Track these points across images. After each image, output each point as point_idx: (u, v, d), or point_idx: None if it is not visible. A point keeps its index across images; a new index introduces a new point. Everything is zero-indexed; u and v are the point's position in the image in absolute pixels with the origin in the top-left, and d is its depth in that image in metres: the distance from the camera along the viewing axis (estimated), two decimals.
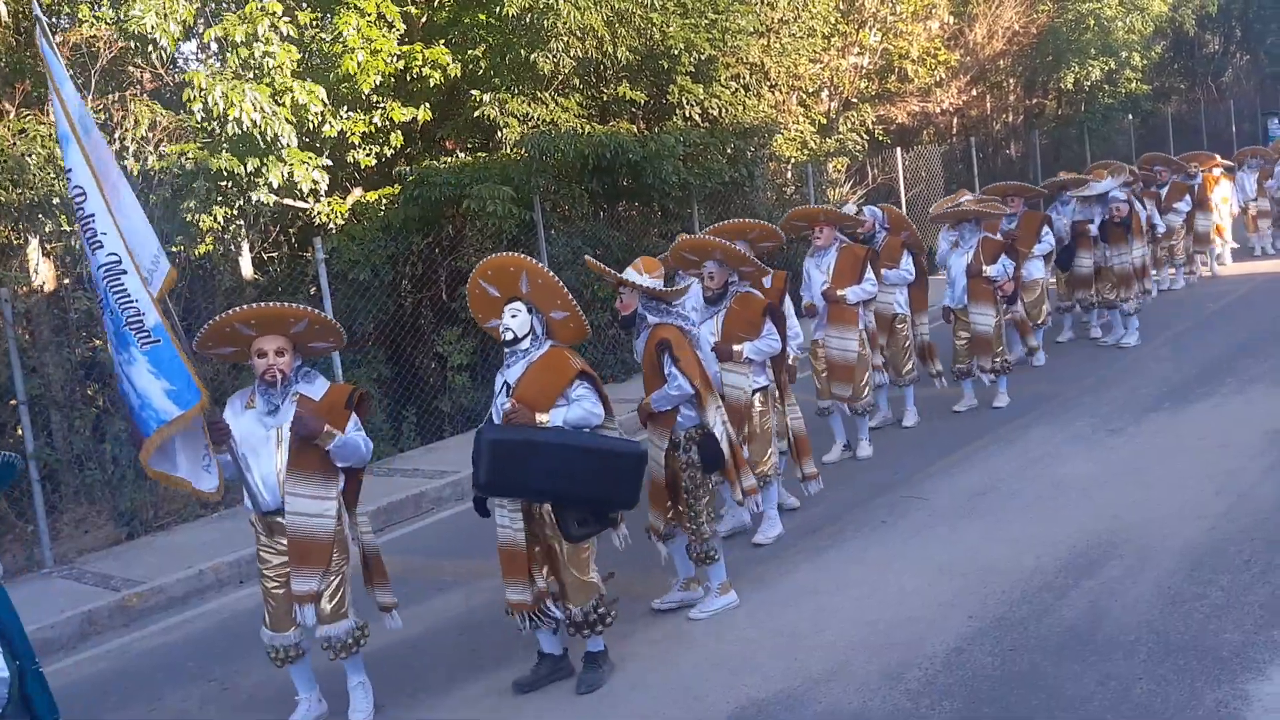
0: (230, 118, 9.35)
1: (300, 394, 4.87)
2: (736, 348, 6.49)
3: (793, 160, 15.96)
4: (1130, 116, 23.61)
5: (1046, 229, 10.55)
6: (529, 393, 5.00)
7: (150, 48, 9.60)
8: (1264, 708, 4.20)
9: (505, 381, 5.13)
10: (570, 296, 5.04)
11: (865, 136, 17.40)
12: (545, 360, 5.06)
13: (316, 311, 4.92)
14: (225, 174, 9.60)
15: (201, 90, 9.37)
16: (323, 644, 4.92)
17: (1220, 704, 4.26)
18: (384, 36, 10.57)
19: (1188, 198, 13.78)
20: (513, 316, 5.06)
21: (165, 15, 9.25)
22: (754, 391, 6.58)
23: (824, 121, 16.96)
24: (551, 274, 5.06)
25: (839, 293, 7.99)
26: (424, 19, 12.33)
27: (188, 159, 9.56)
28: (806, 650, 5.19)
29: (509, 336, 5.07)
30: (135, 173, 9.72)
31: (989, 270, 9.10)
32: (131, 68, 10.83)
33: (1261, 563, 5.52)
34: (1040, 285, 10.49)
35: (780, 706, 4.70)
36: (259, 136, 9.55)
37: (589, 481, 4.90)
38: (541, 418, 4.93)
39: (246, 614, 6.45)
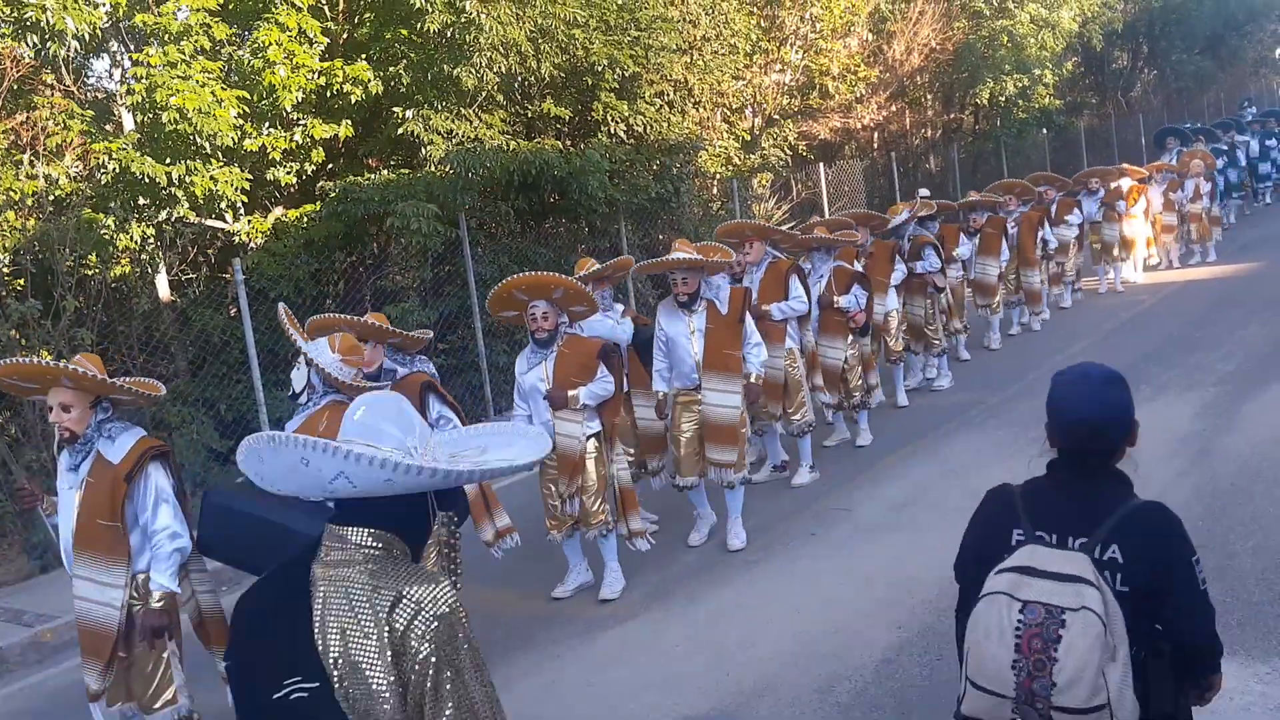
0: (172, 104, 9.16)
1: (99, 453, 4.34)
2: (572, 394, 6.08)
3: (718, 176, 16.11)
4: (1044, 131, 24.29)
5: (898, 258, 9.95)
6: None
7: (48, 43, 9.32)
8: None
9: None
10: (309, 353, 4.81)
11: (788, 152, 17.63)
12: (315, 417, 4.79)
13: (86, 374, 4.26)
14: (146, 181, 9.36)
15: (149, 73, 9.17)
16: None
17: None
18: (305, 52, 10.42)
19: (1076, 211, 13.98)
20: (296, 370, 4.86)
21: (64, 7, 8.99)
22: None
23: (748, 137, 17.15)
24: (292, 331, 4.87)
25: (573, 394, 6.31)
26: (345, 35, 12.19)
27: (112, 159, 9.30)
28: (739, 666, 5.21)
29: (290, 393, 4.90)
30: (47, 193, 9.45)
31: (839, 301, 8.60)
32: (42, 85, 10.54)
33: None
34: (895, 316, 9.93)
35: None
36: (193, 135, 9.36)
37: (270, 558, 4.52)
38: None
39: None
